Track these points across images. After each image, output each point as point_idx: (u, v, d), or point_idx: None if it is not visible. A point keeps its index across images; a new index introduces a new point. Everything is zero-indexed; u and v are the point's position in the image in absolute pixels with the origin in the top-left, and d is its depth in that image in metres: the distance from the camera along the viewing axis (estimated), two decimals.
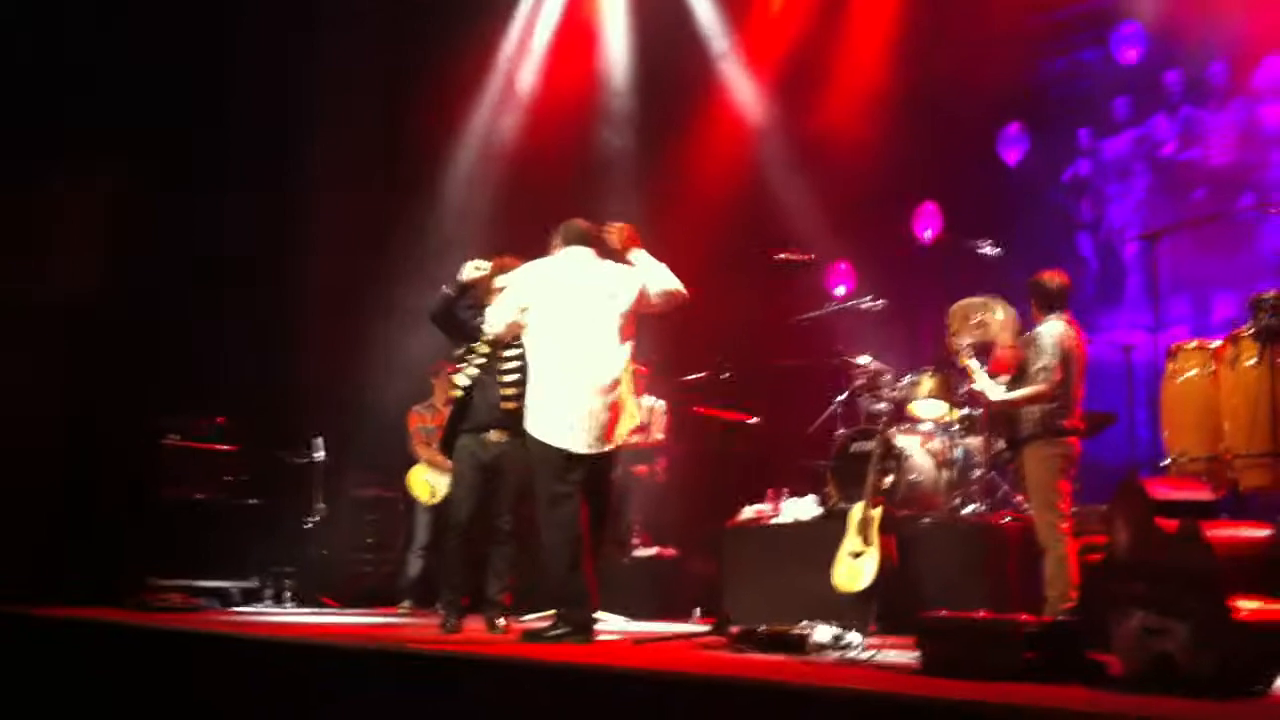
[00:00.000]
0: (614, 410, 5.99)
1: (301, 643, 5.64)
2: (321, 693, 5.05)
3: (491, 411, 6.64)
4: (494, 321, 6.16)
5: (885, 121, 10.13)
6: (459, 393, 6.78)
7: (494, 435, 6.68)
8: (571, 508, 5.85)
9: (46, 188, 9.32)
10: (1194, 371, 5.61)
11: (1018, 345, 6.60)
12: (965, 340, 6.80)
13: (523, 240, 6.72)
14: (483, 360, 6.65)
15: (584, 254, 6.12)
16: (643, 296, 6.06)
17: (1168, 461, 5.69)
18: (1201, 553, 3.77)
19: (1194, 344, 5.74)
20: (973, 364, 6.67)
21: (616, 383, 6.01)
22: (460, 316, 6.66)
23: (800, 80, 10.81)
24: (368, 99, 10.84)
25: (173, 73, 9.45)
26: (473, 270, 6.58)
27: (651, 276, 6.07)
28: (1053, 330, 6.38)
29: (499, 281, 6.38)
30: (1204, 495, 4.22)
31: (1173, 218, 9.01)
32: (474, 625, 6.77)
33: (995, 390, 6.50)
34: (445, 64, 10.97)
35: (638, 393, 9.43)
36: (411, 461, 9.15)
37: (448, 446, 6.86)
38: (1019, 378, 6.45)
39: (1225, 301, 9.05)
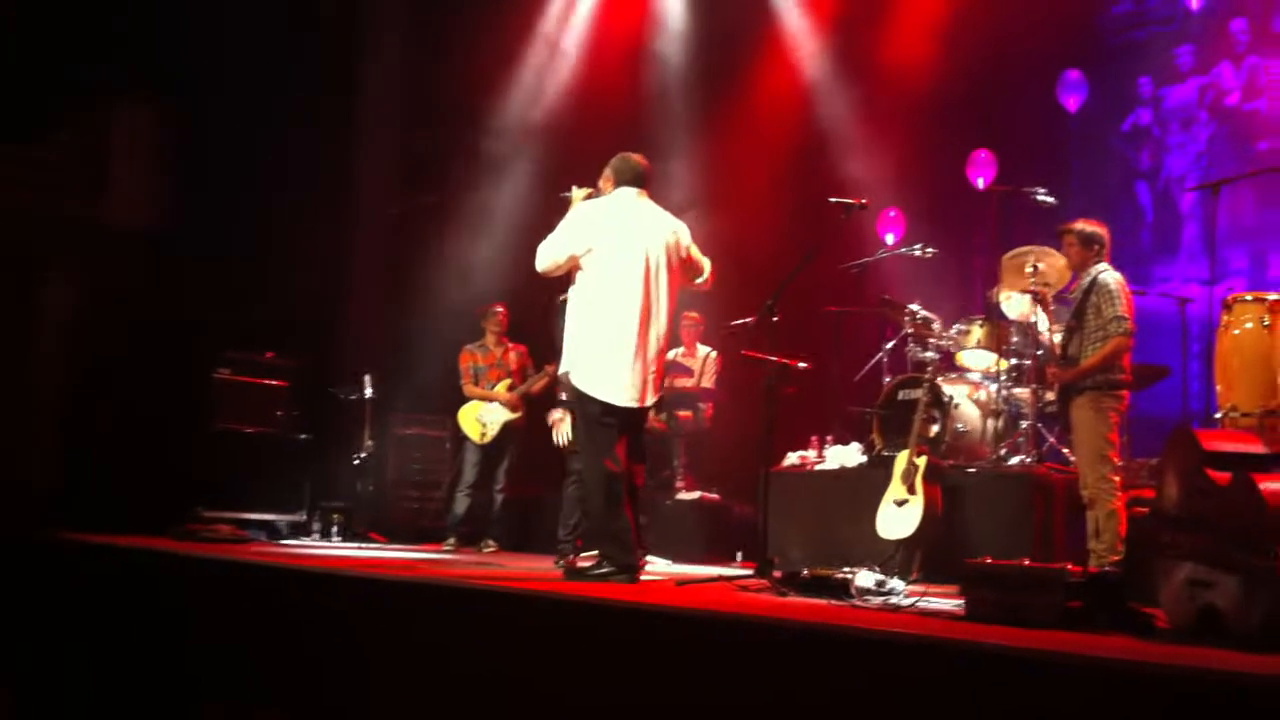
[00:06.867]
0: (660, 366, 6.00)
1: (344, 575, 5.69)
2: (362, 623, 5.10)
3: None
4: (543, 258, 6.01)
5: (942, 65, 9.97)
6: None
7: None
8: (611, 450, 5.84)
9: (109, 125, 9.39)
10: (1250, 324, 5.53)
11: (1071, 292, 6.52)
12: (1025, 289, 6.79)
13: (574, 179, 6.65)
14: None
15: (637, 197, 6.06)
16: (689, 250, 6.13)
17: (1219, 415, 5.62)
18: (1253, 505, 3.72)
19: (1250, 296, 5.66)
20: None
21: (667, 340, 6.05)
22: None
23: (857, 22, 10.65)
24: (419, 35, 10.81)
25: (237, 11, 9.48)
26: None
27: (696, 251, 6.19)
28: (1116, 277, 6.26)
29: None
30: (1257, 447, 4.16)
31: (1234, 169, 8.84)
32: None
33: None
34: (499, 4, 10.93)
35: (692, 340, 9.46)
36: (462, 400, 9.19)
37: None
38: (1073, 328, 6.35)
39: None
